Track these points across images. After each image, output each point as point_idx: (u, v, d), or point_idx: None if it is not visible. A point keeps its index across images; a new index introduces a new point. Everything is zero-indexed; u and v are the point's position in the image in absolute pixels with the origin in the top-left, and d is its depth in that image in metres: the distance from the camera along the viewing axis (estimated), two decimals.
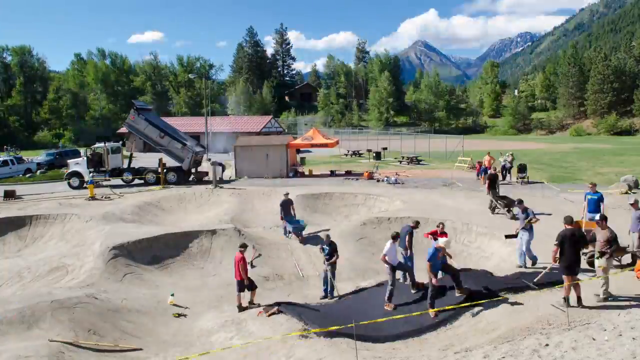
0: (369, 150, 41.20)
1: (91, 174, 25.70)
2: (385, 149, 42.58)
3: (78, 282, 12.49)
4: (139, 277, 13.45)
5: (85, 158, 26.52)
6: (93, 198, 22.14)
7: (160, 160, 26.48)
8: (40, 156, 38.14)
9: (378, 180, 25.54)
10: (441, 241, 10.06)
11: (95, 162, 26.18)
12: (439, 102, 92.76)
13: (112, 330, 10.02)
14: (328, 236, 12.35)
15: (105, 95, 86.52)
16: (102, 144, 26.93)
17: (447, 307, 9.43)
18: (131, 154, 27.80)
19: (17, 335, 9.11)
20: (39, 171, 33.27)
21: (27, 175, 31.37)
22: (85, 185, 25.11)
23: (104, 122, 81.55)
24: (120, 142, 30.79)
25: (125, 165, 27.29)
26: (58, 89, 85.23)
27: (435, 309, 9.52)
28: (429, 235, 12.18)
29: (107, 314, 10.58)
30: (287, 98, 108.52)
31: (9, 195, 22.56)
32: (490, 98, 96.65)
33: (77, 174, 26.14)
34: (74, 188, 25.64)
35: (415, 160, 34.61)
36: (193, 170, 27.55)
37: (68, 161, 27.96)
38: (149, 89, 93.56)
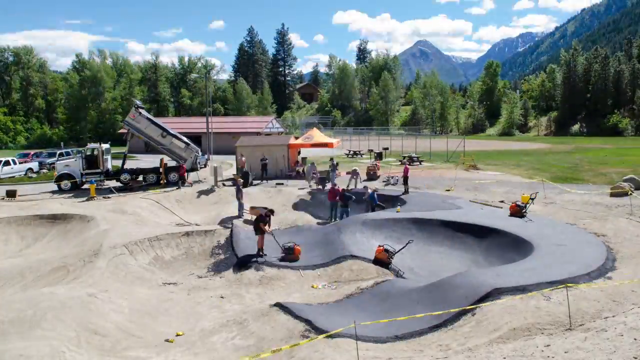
0: (371, 151, 41.19)
1: (84, 176, 24.93)
2: (386, 149, 42.55)
3: (79, 281, 12.51)
4: (140, 277, 13.47)
5: (78, 159, 25.51)
6: (93, 198, 22.16)
7: (162, 160, 26.47)
8: (42, 156, 38.07)
9: (386, 182, 25.49)
10: None
11: (90, 163, 25.15)
12: (437, 102, 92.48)
13: (114, 329, 10.02)
14: None
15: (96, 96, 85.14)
16: (96, 145, 25.96)
17: (451, 310, 9.40)
18: (125, 155, 26.69)
19: (19, 335, 9.11)
20: (41, 171, 33.28)
21: (29, 176, 31.38)
22: (81, 185, 24.83)
23: (102, 122, 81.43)
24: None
25: (110, 166, 26.34)
26: (55, 90, 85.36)
27: (438, 312, 9.45)
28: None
29: (109, 314, 10.59)
30: (287, 98, 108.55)
31: (11, 195, 22.58)
32: (490, 99, 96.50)
33: (68, 176, 25.05)
34: (64, 191, 24.43)
35: (417, 161, 34.56)
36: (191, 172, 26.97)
37: (56, 163, 26.78)
38: (148, 89, 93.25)
